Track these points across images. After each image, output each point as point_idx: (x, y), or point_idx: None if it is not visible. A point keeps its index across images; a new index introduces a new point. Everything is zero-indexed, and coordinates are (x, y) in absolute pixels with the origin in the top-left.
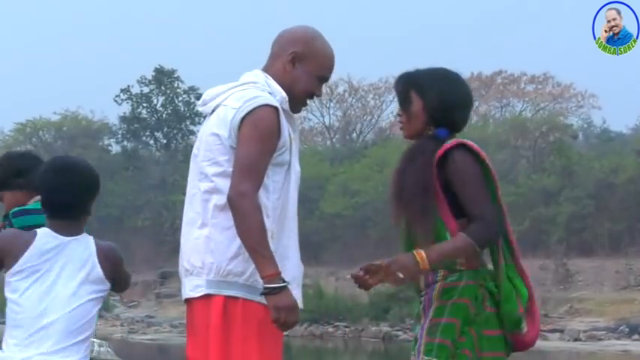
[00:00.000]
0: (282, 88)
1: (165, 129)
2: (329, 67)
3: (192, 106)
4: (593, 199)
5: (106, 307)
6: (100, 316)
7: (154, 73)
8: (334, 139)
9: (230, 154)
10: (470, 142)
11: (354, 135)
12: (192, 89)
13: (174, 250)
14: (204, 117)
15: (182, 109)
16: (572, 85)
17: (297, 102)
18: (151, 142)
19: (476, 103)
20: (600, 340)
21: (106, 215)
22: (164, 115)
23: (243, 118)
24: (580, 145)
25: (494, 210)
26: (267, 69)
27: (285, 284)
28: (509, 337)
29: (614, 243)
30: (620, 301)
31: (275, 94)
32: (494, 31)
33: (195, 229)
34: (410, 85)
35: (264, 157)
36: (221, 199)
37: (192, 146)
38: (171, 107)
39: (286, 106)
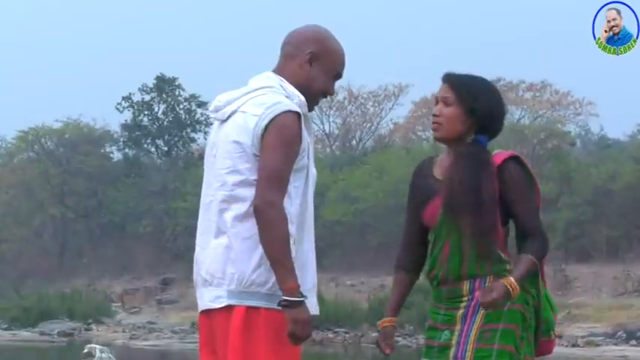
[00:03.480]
0: (299, 88)
1: (167, 136)
2: (343, 64)
3: (193, 114)
4: (591, 205)
5: (107, 314)
6: (101, 323)
7: (155, 81)
8: (334, 147)
9: (252, 163)
10: (520, 155)
11: (354, 142)
12: (193, 97)
13: (176, 256)
14: (212, 123)
15: (183, 116)
16: (570, 93)
17: (312, 101)
18: (153, 149)
19: None
20: (598, 345)
21: (108, 222)
22: (165, 123)
23: (266, 126)
24: (578, 152)
25: (543, 224)
26: (280, 71)
27: (303, 298)
28: (537, 341)
29: (612, 249)
30: (618, 307)
31: (292, 98)
32: (493, 38)
33: (213, 238)
34: (458, 87)
35: (289, 164)
36: (241, 208)
37: (192, 153)
38: (172, 115)
39: (305, 109)
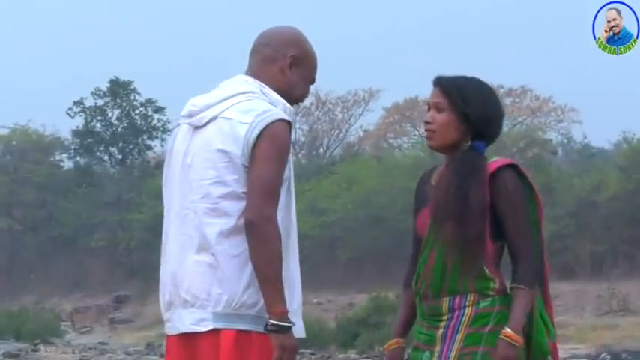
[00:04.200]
0: (279, 94)
1: (121, 144)
2: (316, 68)
3: (149, 120)
4: (574, 218)
5: (56, 333)
6: (50, 343)
7: (108, 85)
8: (300, 155)
9: (240, 174)
10: (518, 163)
11: (321, 150)
12: (149, 102)
13: (131, 272)
14: (170, 130)
15: (139, 122)
16: (551, 99)
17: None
18: (106, 157)
19: None
20: None
21: (58, 235)
22: (119, 129)
23: (258, 135)
24: (560, 162)
25: (535, 243)
26: (257, 74)
27: (292, 324)
28: None
29: (596, 265)
30: (602, 327)
31: (276, 104)
32: (468, 40)
33: (192, 254)
34: (450, 90)
35: (282, 177)
36: (227, 223)
37: (149, 162)
38: (127, 121)
39: (292, 116)
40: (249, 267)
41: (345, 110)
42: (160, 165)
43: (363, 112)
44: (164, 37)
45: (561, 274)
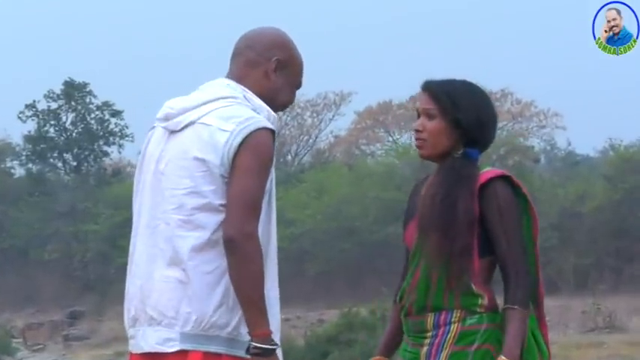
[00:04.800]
0: (263, 100)
1: (76, 150)
2: (303, 72)
3: (106, 124)
4: (557, 230)
5: (7, 351)
6: None
7: (63, 87)
8: None
9: (218, 185)
10: (511, 174)
11: (289, 157)
12: (106, 105)
13: (86, 286)
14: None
15: (95, 127)
16: (533, 103)
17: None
18: (60, 164)
19: None
20: None
21: (9, 247)
22: (74, 134)
23: (239, 144)
24: (542, 170)
25: (530, 258)
26: (240, 79)
27: (277, 346)
28: None
29: (581, 280)
30: (587, 344)
31: (259, 111)
32: (445, 40)
33: (161, 268)
34: (440, 96)
35: (264, 189)
36: (200, 237)
37: (105, 169)
38: (82, 125)
39: (276, 125)
40: (222, 285)
41: (314, 114)
42: (117, 172)
43: (333, 116)
44: (122, 36)
45: (544, 289)
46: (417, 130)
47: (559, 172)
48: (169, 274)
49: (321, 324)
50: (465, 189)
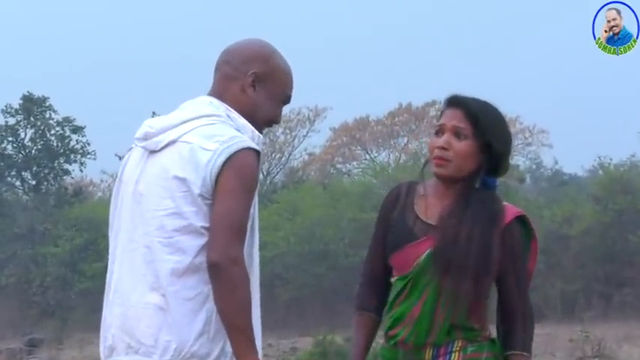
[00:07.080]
0: (244, 117)
1: (35, 168)
2: (292, 85)
3: (67, 141)
4: (543, 254)
5: None
6: None
7: (21, 101)
8: None
9: (198, 206)
10: (527, 215)
11: (261, 176)
12: (67, 120)
13: (45, 312)
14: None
15: (55, 144)
16: (518, 119)
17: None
18: (18, 183)
19: (404, 140)
20: None
21: None
22: (33, 152)
23: (222, 164)
24: (528, 190)
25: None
26: (219, 95)
27: None
28: None
29: (568, 306)
30: None
31: (243, 131)
32: (425, 54)
33: (140, 294)
34: (475, 116)
35: (249, 211)
36: (181, 261)
37: (66, 189)
38: (42, 142)
39: (261, 145)
40: (204, 312)
41: (287, 131)
42: (78, 192)
43: (307, 133)
44: (83, 49)
45: None
46: (442, 148)
47: (545, 192)
48: (149, 300)
49: (294, 352)
50: (496, 232)
